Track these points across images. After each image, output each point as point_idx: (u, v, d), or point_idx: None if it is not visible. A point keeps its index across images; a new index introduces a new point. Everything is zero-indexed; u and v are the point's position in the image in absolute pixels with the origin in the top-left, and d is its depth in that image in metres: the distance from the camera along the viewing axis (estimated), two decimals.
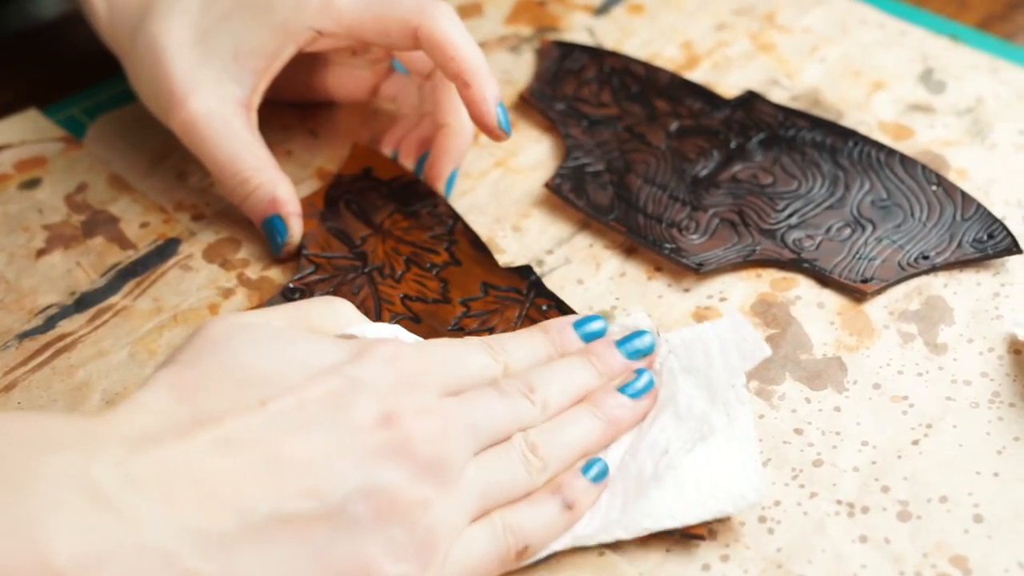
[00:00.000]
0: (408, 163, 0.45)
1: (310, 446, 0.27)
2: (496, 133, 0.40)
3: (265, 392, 0.28)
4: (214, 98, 0.40)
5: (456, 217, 0.43)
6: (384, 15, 0.39)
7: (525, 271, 0.41)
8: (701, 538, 0.32)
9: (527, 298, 0.39)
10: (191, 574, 0.25)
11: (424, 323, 0.39)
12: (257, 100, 0.41)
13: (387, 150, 0.46)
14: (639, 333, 0.35)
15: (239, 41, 0.40)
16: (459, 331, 0.38)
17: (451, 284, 0.40)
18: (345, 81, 0.47)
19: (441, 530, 0.29)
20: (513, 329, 0.38)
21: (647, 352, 0.35)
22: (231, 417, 0.27)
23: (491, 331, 0.38)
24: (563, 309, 0.39)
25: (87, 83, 0.50)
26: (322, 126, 0.48)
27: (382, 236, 0.42)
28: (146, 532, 0.24)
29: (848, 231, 0.42)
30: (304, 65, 0.45)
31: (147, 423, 0.27)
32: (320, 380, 0.29)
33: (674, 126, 0.47)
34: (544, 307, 0.39)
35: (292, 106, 0.48)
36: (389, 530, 0.28)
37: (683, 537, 0.32)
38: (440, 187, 0.43)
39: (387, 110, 0.49)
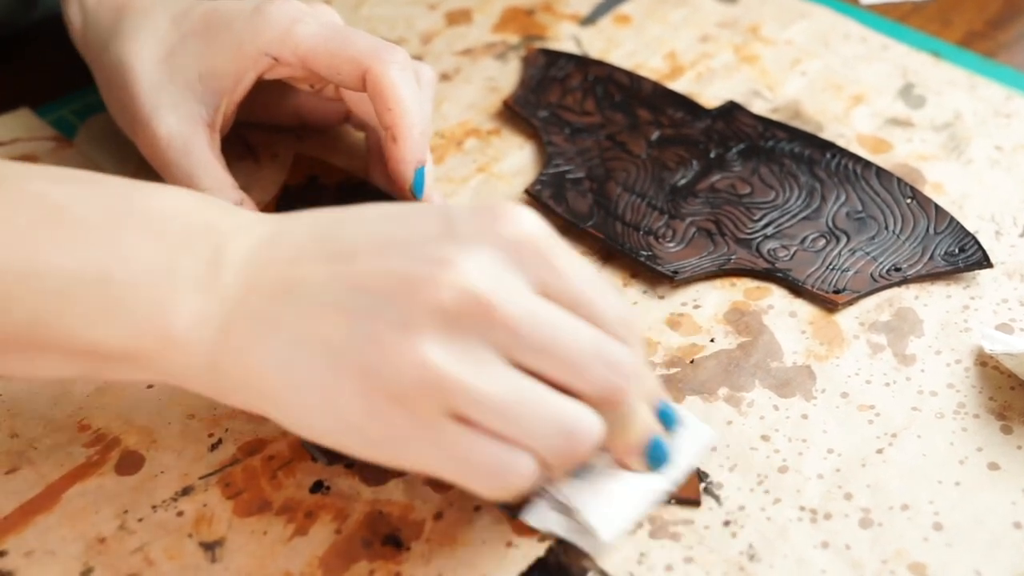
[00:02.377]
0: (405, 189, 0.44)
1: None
2: (405, 194, 0.41)
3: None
4: (176, 118, 0.40)
5: None
6: (338, 52, 0.39)
7: None
8: (696, 504, 0.34)
9: None
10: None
11: None
12: (220, 121, 0.41)
13: (380, 183, 0.45)
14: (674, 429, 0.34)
15: (203, 60, 0.40)
16: None
17: None
18: (317, 106, 0.47)
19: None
20: None
21: (670, 425, 0.34)
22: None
23: None
24: None
25: (78, 86, 0.51)
26: (287, 151, 0.49)
27: None
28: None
29: (823, 242, 0.43)
30: (277, 89, 0.45)
31: (286, 238, 0.30)
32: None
33: (655, 135, 0.48)
34: None
35: (265, 128, 0.49)
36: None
37: (677, 503, 0.34)
38: (408, 192, 0.41)
39: (358, 136, 0.49)
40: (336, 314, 0.28)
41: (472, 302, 0.28)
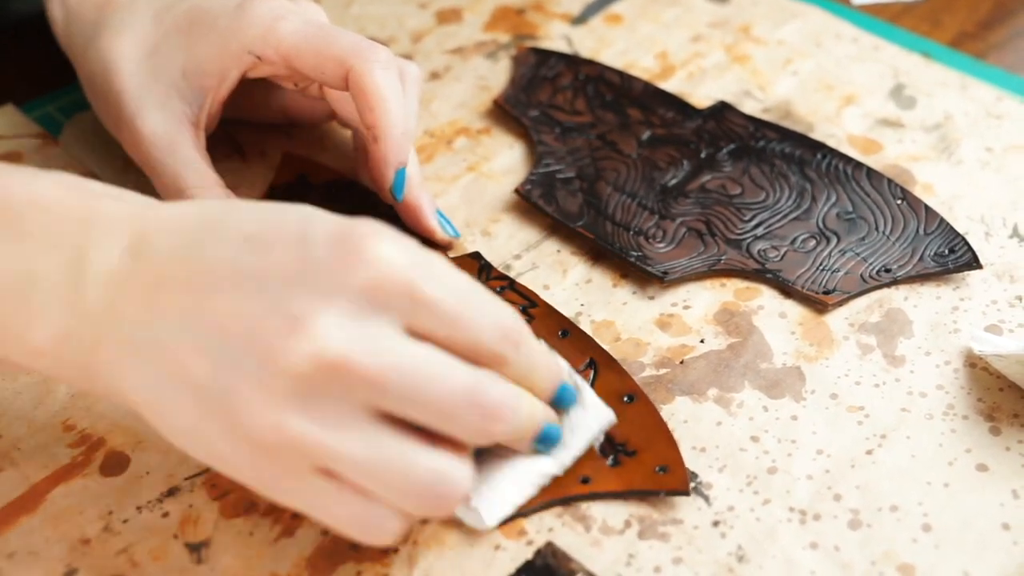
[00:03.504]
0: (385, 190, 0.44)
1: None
2: (386, 195, 0.41)
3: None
4: (160, 116, 0.40)
5: (397, 215, 0.43)
6: (321, 50, 0.38)
7: (474, 256, 0.41)
8: (685, 494, 0.34)
9: (481, 283, 0.40)
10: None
11: None
12: (205, 119, 0.41)
13: (368, 183, 0.45)
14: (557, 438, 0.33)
15: (187, 57, 0.40)
16: None
17: None
18: (304, 104, 0.46)
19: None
20: None
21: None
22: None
23: None
24: (517, 289, 0.40)
25: (64, 83, 0.50)
26: (275, 150, 0.48)
27: None
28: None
29: (813, 243, 0.43)
30: (263, 86, 0.45)
31: (152, 251, 0.29)
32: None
33: (646, 135, 0.48)
34: (498, 289, 0.40)
35: (253, 127, 0.48)
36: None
37: (667, 495, 0.34)
38: (388, 193, 0.41)
39: (346, 134, 0.49)
40: (198, 355, 0.28)
41: (328, 367, 0.27)
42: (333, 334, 0.27)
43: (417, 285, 0.28)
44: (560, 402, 0.33)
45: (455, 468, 0.29)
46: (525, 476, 0.33)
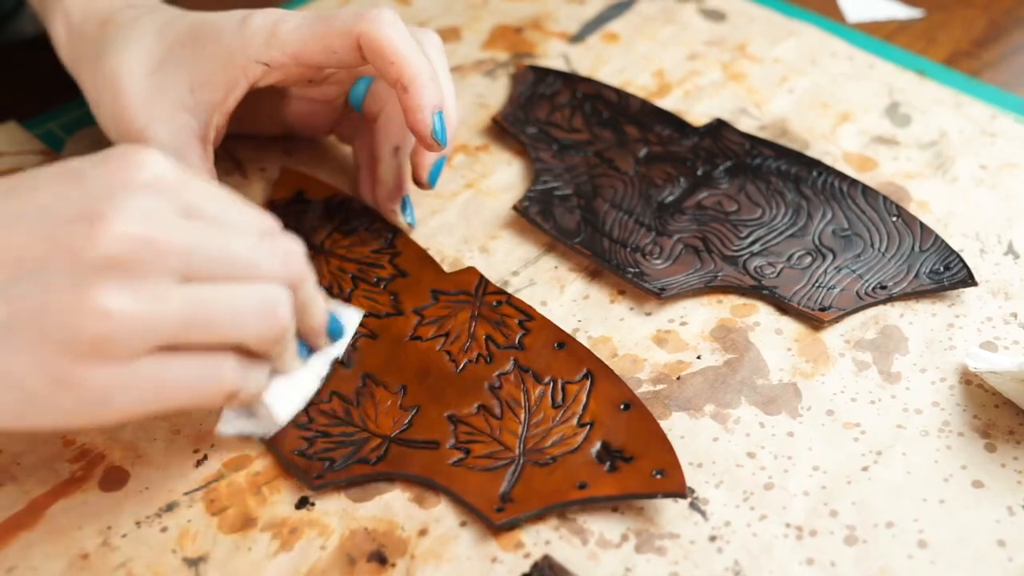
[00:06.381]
0: (391, 212, 0.45)
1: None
2: (428, 142, 0.39)
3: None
4: (168, 131, 0.40)
5: (394, 230, 0.43)
6: (326, 32, 0.39)
7: (471, 271, 0.42)
8: (683, 496, 0.34)
9: (477, 297, 0.41)
10: None
11: (381, 338, 0.39)
12: (212, 133, 0.41)
13: (368, 199, 0.46)
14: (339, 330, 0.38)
15: (193, 72, 0.40)
16: (416, 340, 0.39)
17: (401, 295, 0.41)
18: (303, 115, 0.47)
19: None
20: (468, 330, 0.40)
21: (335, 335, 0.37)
22: None
23: (447, 336, 0.39)
24: (513, 303, 0.40)
25: (66, 100, 0.51)
26: (275, 166, 0.49)
27: (324, 256, 0.43)
28: None
29: (809, 259, 0.43)
30: (264, 98, 0.45)
31: None
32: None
33: (643, 152, 0.48)
34: (495, 303, 0.40)
35: (253, 143, 0.49)
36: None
37: (664, 497, 0.34)
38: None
39: (345, 150, 0.49)
40: None
41: (136, 243, 0.28)
42: (130, 216, 0.29)
43: (189, 183, 0.31)
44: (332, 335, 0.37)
45: (274, 285, 0.32)
46: (308, 373, 0.37)
